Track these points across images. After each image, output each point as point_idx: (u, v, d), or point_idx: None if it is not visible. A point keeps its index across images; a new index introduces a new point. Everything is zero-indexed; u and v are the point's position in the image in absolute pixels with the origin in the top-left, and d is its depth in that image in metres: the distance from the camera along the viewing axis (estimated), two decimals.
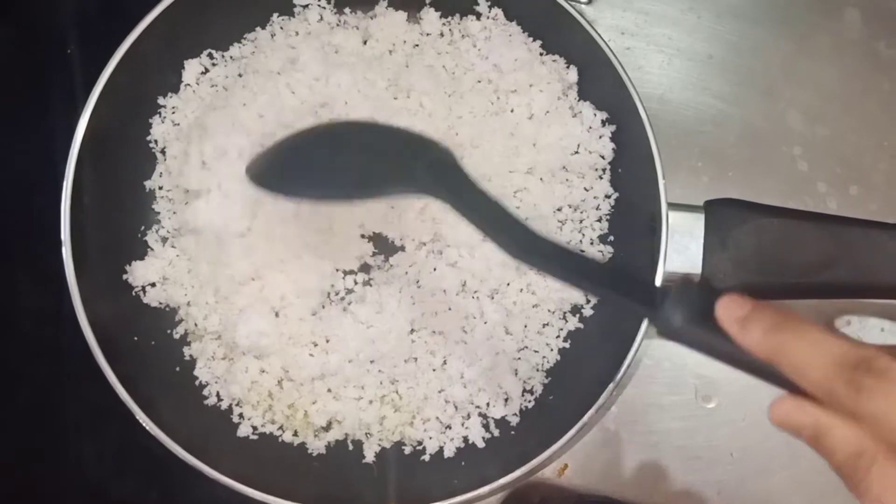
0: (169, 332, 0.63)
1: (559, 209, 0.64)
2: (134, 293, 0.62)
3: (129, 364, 0.58)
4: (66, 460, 0.65)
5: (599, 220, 0.64)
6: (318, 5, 0.66)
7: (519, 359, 0.62)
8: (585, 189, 0.64)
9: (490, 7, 0.66)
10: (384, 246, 0.64)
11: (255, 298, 0.60)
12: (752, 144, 0.71)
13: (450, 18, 0.67)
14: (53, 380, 0.65)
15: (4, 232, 0.68)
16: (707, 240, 0.57)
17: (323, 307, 0.62)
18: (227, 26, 0.66)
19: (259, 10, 0.66)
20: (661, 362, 0.67)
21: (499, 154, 0.62)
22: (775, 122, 0.71)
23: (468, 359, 0.61)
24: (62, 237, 0.58)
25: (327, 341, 0.61)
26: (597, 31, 0.62)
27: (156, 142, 0.65)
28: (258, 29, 0.66)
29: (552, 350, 0.63)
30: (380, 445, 0.61)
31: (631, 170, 0.64)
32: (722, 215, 0.57)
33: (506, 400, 0.62)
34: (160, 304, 0.63)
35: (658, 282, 0.57)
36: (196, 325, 0.62)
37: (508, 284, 0.62)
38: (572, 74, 0.65)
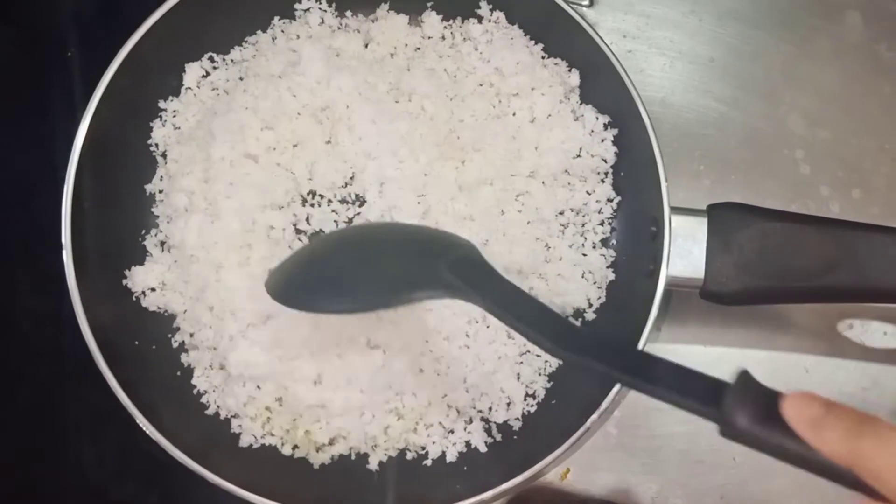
0: (169, 336, 0.63)
1: (561, 213, 0.64)
2: (134, 297, 0.62)
3: (129, 368, 0.58)
4: (67, 464, 0.65)
5: (602, 223, 0.64)
6: (320, 8, 0.66)
7: (521, 363, 0.62)
8: (588, 193, 0.64)
9: (492, 10, 0.66)
10: None
11: (248, 325, 0.59)
12: (754, 148, 0.71)
13: (451, 22, 0.67)
14: (54, 383, 0.65)
15: (5, 235, 0.68)
16: (710, 244, 0.57)
17: (323, 340, 0.60)
18: (227, 29, 0.66)
19: (260, 13, 0.66)
20: None
21: (501, 158, 0.62)
22: (777, 126, 0.71)
23: (470, 363, 0.61)
24: (63, 240, 0.58)
25: (326, 376, 0.60)
26: (598, 35, 0.62)
27: (156, 145, 0.65)
28: (259, 32, 0.66)
29: None
30: (386, 455, 0.61)
31: (633, 173, 0.63)
32: (725, 219, 0.57)
33: (508, 404, 0.62)
34: (159, 308, 0.62)
35: (661, 287, 0.57)
36: (192, 335, 0.62)
37: None
38: (574, 78, 0.65)
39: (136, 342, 0.61)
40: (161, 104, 0.65)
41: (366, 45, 0.66)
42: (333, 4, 0.67)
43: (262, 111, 0.62)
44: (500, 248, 0.61)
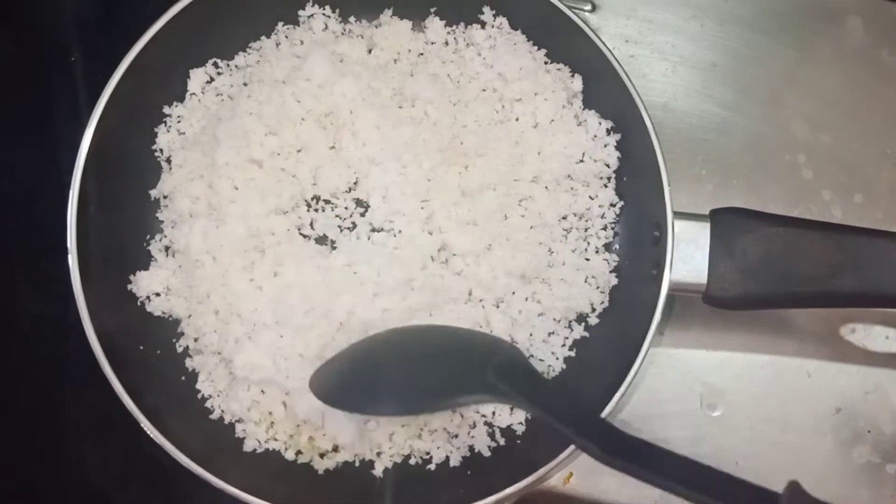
0: (174, 341, 0.63)
1: (564, 218, 0.64)
2: (139, 302, 0.62)
3: (134, 373, 0.58)
4: (71, 468, 0.65)
5: (604, 228, 0.64)
6: (323, 14, 0.66)
7: None
8: (590, 198, 0.64)
9: (495, 16, 0.66)
10: None
11: (253, 328, 0.60)
12: (756, 152, 0.71)
13: (454, 27, 0.67)
14: (58, 387, 0.66)
15: (11, 239, 0.68)
16: (712, 249, 0.57)
17: (327, 346, 0.60)
18: (232, 35, 0.66)
19: (264, 19, 0.66)
20: (666, 371, 0.67)
21: (504, 163, 0.63)
22: (779, 130, 0.71)
23: None
24: (68, 245, 0.58)
25: None
26: (601, 40, 0.62)
27: (161, 151, 0.65)
28: (263, 38, 0.66)
29: (557, 359, 0.63)
30: (390, 461, 0.61)
31: (636, 178, 0.64)
32: (727, 224, 0.57)
33: (511, 409, 0.62)
34: (164, 313, 0.63)
35: (664, 291, 0.57)
36: (196, 340, 0.62)
37: (514, 293, 0.62)
38: (577, 83, 0.65)
39: (141, 347, 0.61)
40: (166, 110, 0.65)
41: (369, 51, 0.66)
42: (337, 10, 0.67)
43: (267, 116, 0.62)
44: (504, 252, 0.62)
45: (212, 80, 0.66)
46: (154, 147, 0.65)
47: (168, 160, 0.65)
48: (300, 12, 0.66)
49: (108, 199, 0.61)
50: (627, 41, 0.72)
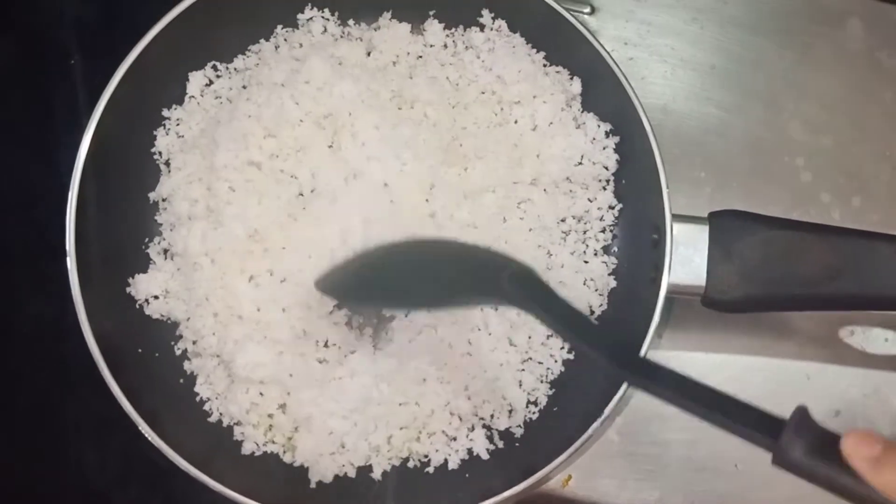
0: (172, 344, 0.63)
1: (563, 220, 0.64)
2: (138, 305, 0.62)
3: (132, 376, 0.58)
4: (70, 471, 0.65)
5: (603, 231, 0.64)
6: (323, 17, 0.67)
7: (523, 370, 0.62)
8: (589, 200, 0.64)
9: (493, 19, 0.66)
10: None
11: (253, 329, 0.60)
12: (755, 155, 0.71)
13: (453, 30, 0.67)
14: (57, 390, 0.66)
15: (9, 242, 0.68)
16: (711, 251, 0.57)
17: (327, 346, 0.61)
18: (231, 38, 0.66)
19: (263, 22, 0.66)
20: None
21: (503, 165, 0.63)
22: (778, 133, 0.71)
23: (472, 370, 0.61)
24: (67, 248, 0.58)
25: (331, 381, 0.60)
26: (600, 42, 0.62)
27: (160, 153, 0.65)
28: (262, 41, 0.66)
29: (556, 361, 0.63)
30: (389, 464, 0.61)
31: (634, 181, 0.64)
32: (726, 227, 0.57)
33: (510, 412, 0.62)
34: (162, 316, 0.63)
35: (662, 294, 0.57)
36: (195, 342, 0.62)
37: None
38: (576, 86, 0.65)
39: (140, 350, 0.62)
40: (165, 112, 0.65)
41: (368, 54, 0.66)
42: (336, 13, 0.67)
43: (266, 119, 0.62)
44: None
45: (211, 82, 0.66)
46: (153, 150, 0.65)
47: (167, 163, 0.65)
48: (299, 15, 0.66)
49: (106, 201, 0.61)
50: (626, 44, 0.72)
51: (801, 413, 0.40)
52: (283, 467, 0.60)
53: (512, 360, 0.61)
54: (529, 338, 0.62)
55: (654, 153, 0.59)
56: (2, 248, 0.68)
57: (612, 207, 0.65)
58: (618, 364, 0.44)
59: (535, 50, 0.66)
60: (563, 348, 0.63)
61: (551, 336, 0.63)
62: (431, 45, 0.67)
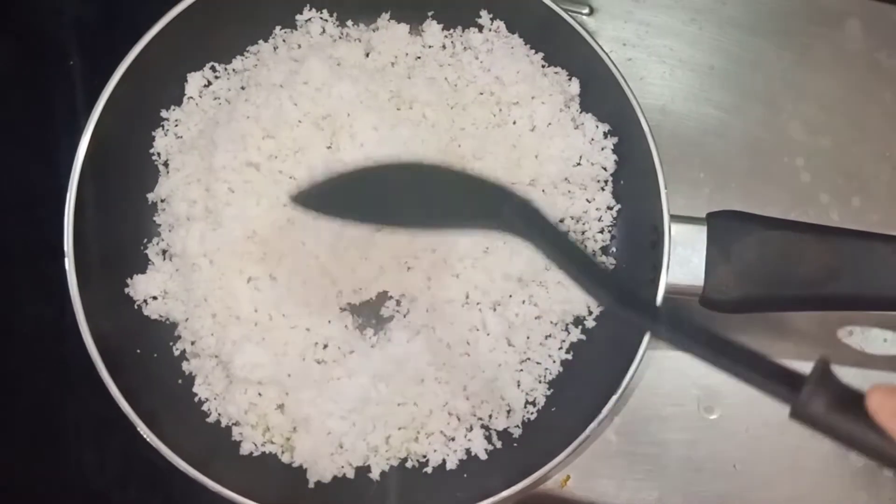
0: (171, 345, 0.63)
1: (561, 221, 0.64)
2: (136, 306, 0.62)
3: (131, 377, 0.58)
4: (68, 472, 0.65)
5: (601, 231, 0.64)
6: (321, 18, 0.67)
7: (521, 370, 0.62)
8: (587, 201, 0.64)
9: (492, 19, 0.66)
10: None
11: (252, 330, 0.60)
12: (754, 155, 0.71)
13: (452, 31, 0.67)
14: (55, 391, 0.66)
15: (7, 243, 0.68)
16: (709, 252, 0.57)
17: (326, 347, 0.61)
18: (229, 39, 0.66)
19: (262, 23, 0.66)
20: (663, 374, 0.67)
21: (501, 166, 0.63)
22: (777, 133, 0.71)
23: (471, 371, 0.61)
24: (65, 249, 0.58)
25: (329, 381, 0.60)
26: (598, 43, 0.62)
27: (158, 154, 0.65)
28: (261, 42, 0.67)
29: (554, 362, 0.63)
30: (387, 463, 0.61)
31: (633, 181, 0.64)
32: (724, 227, 0.57)
33: (508, 412, 0.62)
34: (161, 317, 0.63)
35: (660, 294, 0.57)
36: (193, 343, 0.62)
37: (511, 296, 0.62)
38: (574, 86, 0.65)
39: (138, 350, 0.62)
40: (163, 113, 0.65)
41: (367, 55, 0.66)
42: (335, 14, 0.67)
43: (264, 120, 0.62)
44: (501, 256, 0.62)
45: (209, 83, 0.66)
46: (152, 151, 0.65)
47: (165, 164, 0.65)
48: (298, 16, 0.67)
49: (105, 202, 0.61)
50: (625, 44, 0.72)
51: (824, 366, 0.39)
52: (281, 467, 0.61)
53: (510, 360, 0.61)
54: (528, 338, 0.62)
55: (653, 154, 0.60)
56: (0, 248, 0.68)
57: (610, 208, 0.65)
58: (620, 301, 0.43)
59: (533, 51, 0.66)
60: (561, 349, 0.63)
61: (550, 336, 0.63)
62: (430, 46, 0.67)
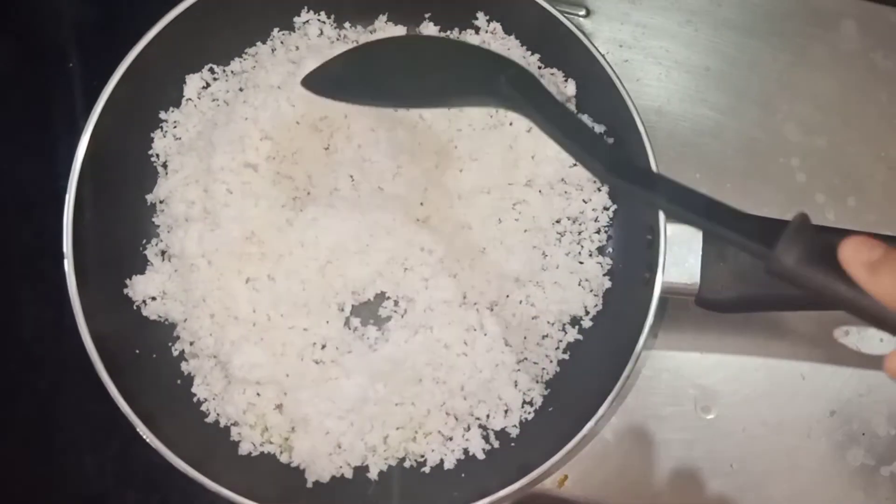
0: (170, 345, 0.63)
1: (558, 221, 0.64)
2: (135, 306, 0.62)
3: (129, 377, 0.58)
4: (67, 472, 0.65)
5: (598, 232, 0.65)
6: (319, 20, 0.67)
7: (518, 370, 0.62)
8: (584, 201, 0.65)
9: (488, 21, 0.66)
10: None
11: (250, 330, 0.60)
12: (749, 156, 0.71)
13: (448, 32, 0.67)
14: (54, 392, 0.66)
15: (6, 244, 0.68)
16: (705, 252, 0.57)
17: (324, 347, 0.61)
18: (228, 41, 0.66)
19: (260, 25, 0.67)
20: (660, 373, 0.67)
21: (498, 167, 0.63)
22: (773, 134, 0.71)
23: (468, 371, 0.61)
24: (64, 250, 0.58)
25: (327, 381, 0.60)
26: (594, 45, 0.62)
27: (157, 156, 0.65)
28: (259, 44, 0.67)
29: (552, 362, 0.63)
30: (385, 463, 0.61)
31: None
32: None
33: (506, 411, 0.62)
34: (160, 317, 0.63)
35: (657, 294, 0.57)
36: (192, 343, 0.62)
37: (508, 296, 0.62)
38: (570, 87, 0.65)
39: (137, 351, 0.62)
40: (162, 115, 0.65)
41: None
42: (332, 16, 0.67)
43: (262, 121, 0.62)
44: (498, 256, 0.62)
45: (208, 85, 0.66)
46: (150, 152, 0.65)
47: (164, 165, 0.65)
48: (295, 18, 0.67)
49: (104, 203, 0.61)
50: (621, 46, 0.73)
51: (801, 219, 0.38)
52: (279, 467, 0.61)
53: (507, 360, 0.61)
54: (525, 338, 0.62)
55: (649, 154, 0.60)
56: (0, 249, 0.68)
57: (606, 208, 0.65)
58: (613, 170, 0.42)
59: (529, 52, 0.66)
60: (558, 349, 0.63)
61: (547, 336, 0.63)
62: None
